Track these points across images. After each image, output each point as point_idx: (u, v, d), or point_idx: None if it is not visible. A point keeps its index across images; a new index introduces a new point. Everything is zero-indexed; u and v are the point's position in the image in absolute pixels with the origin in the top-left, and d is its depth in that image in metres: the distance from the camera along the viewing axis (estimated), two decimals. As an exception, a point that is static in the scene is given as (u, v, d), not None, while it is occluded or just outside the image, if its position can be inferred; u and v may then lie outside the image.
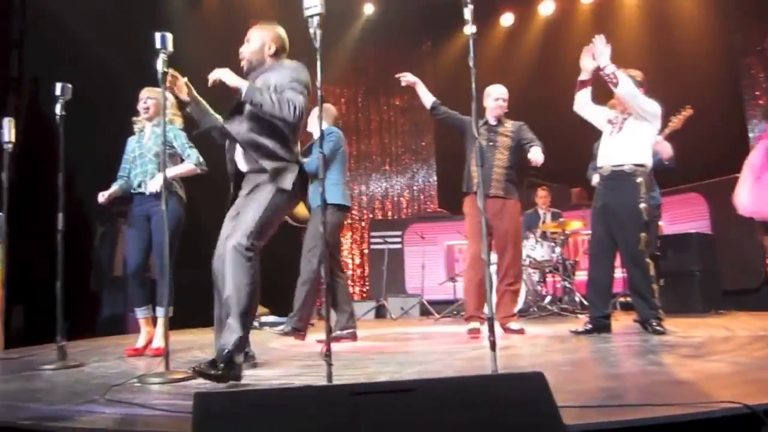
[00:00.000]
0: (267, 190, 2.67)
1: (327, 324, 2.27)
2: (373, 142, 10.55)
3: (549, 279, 7.03)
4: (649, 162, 4.12)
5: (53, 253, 3.63)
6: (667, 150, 4.77)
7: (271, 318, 6.57)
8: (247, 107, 2.73)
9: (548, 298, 6.78)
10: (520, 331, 4.49)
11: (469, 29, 2.47)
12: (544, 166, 4.52)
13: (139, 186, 4.03)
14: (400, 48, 9.88)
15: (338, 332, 4.37)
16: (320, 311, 6.41)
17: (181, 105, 3.29)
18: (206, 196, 4.40)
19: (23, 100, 5.85)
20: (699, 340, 3.54)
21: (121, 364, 3.53)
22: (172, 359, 2.85)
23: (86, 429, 1.80)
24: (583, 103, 4.23)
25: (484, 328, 3.43)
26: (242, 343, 2.55)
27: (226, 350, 2.47)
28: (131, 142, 4.17)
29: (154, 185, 3.94)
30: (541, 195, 7.30)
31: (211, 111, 2.92)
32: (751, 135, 6.99)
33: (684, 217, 6.84)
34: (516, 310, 4.87)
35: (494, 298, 4.43)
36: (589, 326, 4.14)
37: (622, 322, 5.05)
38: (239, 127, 2.75)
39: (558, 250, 6.67)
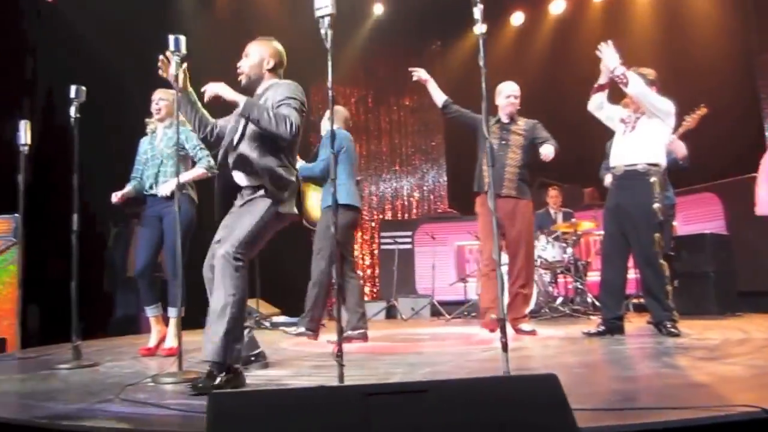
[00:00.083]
0: (262, 203, 2.67)
1: (338, 324, 2.27)
2: (383, 143, 10.56)
3: (560, 280, 6.99)
4: (663, 161, 4.09)
5: (68, 254, 3.67)
6: (681, 149, 4.73)
7: (282, 318, 6.61)
8: (249, 129, 2.72)
9: (560, 299, 6.74)
10: (532, 333, 4.46)
11: (479, 28, 2.47)
12: (556, 166, 4.51)
13: (151, 188, 4.06)
14: (409, 48, 9.87)
15: (349, 332, 4.37)
16: (331, 312, 6.42)
17: None
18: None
19: (38, 102, 5.92)
20: (714, 343, 3.50)
21: (135, 363, 3.56)
22: (184, 359, 2.87)
23: (102, 428, 1.81)
24: (598, 105, 4.20)
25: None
26: (235, 350, 2.52)
27: (218, 361, 2.46)
28: (143, 144, 4.20)
29: (166, 189, 3.97)
30: (552, 195, 7.27)
31: (200, 107, 2.89)
32: (767, 134, 6.92)
33: (698, 217, 6.78)
34: (527, 311, 4.84)
35: (506, 299, 4.43)
36: (602, 328, 4.11)
37: (636, 323, 5.01)
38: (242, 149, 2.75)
39: (570, 250, 6.64)
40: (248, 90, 2.87)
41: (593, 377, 2.56)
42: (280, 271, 6.85)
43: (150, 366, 3.41)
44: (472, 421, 1.29)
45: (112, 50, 6.26)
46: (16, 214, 4.48)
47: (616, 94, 4.25)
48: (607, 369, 2.83)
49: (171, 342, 3.94)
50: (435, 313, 7.59)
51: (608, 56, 3.92)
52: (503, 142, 4.55)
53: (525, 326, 4.54)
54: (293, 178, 2.76)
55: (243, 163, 2.74)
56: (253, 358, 3.08)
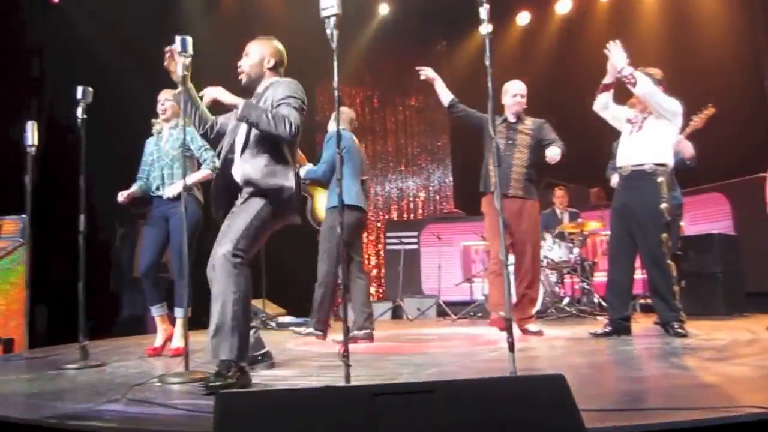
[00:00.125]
0: (258, 202, 2.67)
1: (344, 325, 2.28)
2: (388, 143, 10.56)
3: (567, 280, 6.97)
4: (670, 161, 4.07)
5: (75, 255, 3.68)
6: (688, 149, 4.71)
7: (288, 319, 6.61)
8: (252, 134, 2.72)
9: (566, 300, 6.72)
10: (539, 333, 4.45)
11: (486, 28, 2.46)
12: (562, 166, 4.49)
13: (158, 189, 4.07)
14: (415, 48, 9.86)
15: (355, 332, 4.38)
16: (338, 312, 6.43)
17: None
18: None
19: (44, 103, 5.95)
20: (722, 343, 3.49)
21: (142, 363, 3.57)
22: (191, 359, 2.88)
23: (110, 428, 1.82)
24: (603, 104, 4.19)
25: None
26: (240, 349, 2.52)
27: (226, 360, 2.47)
28: (149, 144, 4.21)
29: (172, 191, 3.98)
30: (559, 195, 7.25)
31: (201, 103, 2.89)
32: (774, 134, 6.87)
33: (706, 217, 6.75)
34: (534, 311, 4.83)
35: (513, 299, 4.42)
36: (609, 328, 4.09)
37: (642, 324, 4.99)
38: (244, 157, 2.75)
39: (576, 250, 6.62)
40: (249, 89, 2.87)
41: (600, 378, 2.55)
42: (286, 272, 6.86)
43: (156, 366, 3.42)
44: (479, 422, 1.29)
45: (117, 51, 6.29)
46: (24, 215, 4.50)
47: (622, 95, 4.24)
48: (614, 369, 2.82)
49: (177, 342, 3.95)
50: (441, 313, 7.59)
51: (616, 56, 3.90)
52: (510, 141, 4.52)
53: (531, 327, 4.53)
54: (291, 178, 2.73)
55: (243, 163, 2.74)
56: (259, 358, 3.09)
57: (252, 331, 2.96)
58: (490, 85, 2.40)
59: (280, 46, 2.92)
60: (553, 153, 4.32)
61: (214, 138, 2.98)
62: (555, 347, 3.79)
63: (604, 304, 5.83)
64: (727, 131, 6.00)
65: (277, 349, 3.85)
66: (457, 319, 6.95)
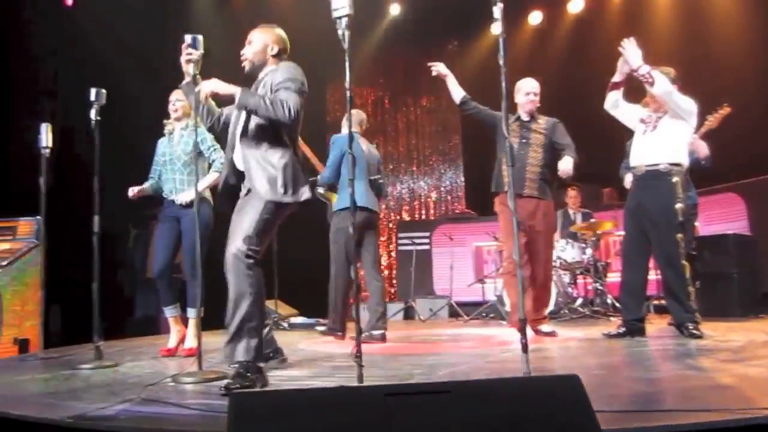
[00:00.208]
0: (260, 195, 2.64)
1: (357, 325, 2.27)
2: (400, 143, 10.55)
3: (580, 281, 6.93)
4: (685, 161, 4.03)
5: (89, 256, 3.71)
6: (703, 149, 4.65)
7: (300, 319, 6.62)
8: (250, 122, 2.71)
9: (579, 301, 6.68)
10: (552, 334, 4.42)
11: (499, 27, 2.45)
12: (575, 166, 4.45)
13: (171, 192, 4.09)
14: (426, 48, 9.85)
15: (368, 333, 4.39)
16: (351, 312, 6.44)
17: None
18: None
19: (58, 105, 6.01)
20: (738, 344, 3.44)
21: (156, 364, 3.59)
22: (204, 359, 2.89)
23: (125, 428, 1.83)
24: (613, 103, 4.15)
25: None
26: (257, 349, 2.53)
27: (244, 360, 2.48)
28: (161, 145, 4.23)
29: (184, 198, 3.99)
30: (572, 195, 7.21)
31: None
32: (791, 134, 6.78)
33: (721, 217, 6.68)
34: (546, 312, 4.80)
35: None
36: (623, 329, 4.06)
37: (657, 325, 4.95)
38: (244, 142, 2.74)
39: (589, 251, 6.57)
40: (252, 77, 2.85)
41: (614, 379, 2.53)
42: (298, 272, 6.88)
43: (170, 366, 3.43)
44: (495, 422, 1.28)
45: (127, 53, 6.33)
46: (38, 217, 4.54)
47: (633, 94, 4.20)
48: (628, 370, 2.80)
49: (191, 342, 3.97)
50: (453, 314, 7.57)
51: (631, 54, 3.84)
52: (524, 140, 4.46)
53: (545, 327, 4.50)
54: (287, 163, 2.68)
55: (243, 153, 2.73)
56: (271, 354, 3.11)
57: (265, 330, 2.97)
58: (504, 84, 2.38)
59: (282, 33, 2.90)
60: (566, 167, 4.26)
61: (221, 130, 2.98)
62: (568, 348, 3.77)
63: (617, 305, 5.78)
64: (742, 130, 5.92)
65: (289, 349, 3.85)
66: (469, 319, 6.93)
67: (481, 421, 1.29)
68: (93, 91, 3.69)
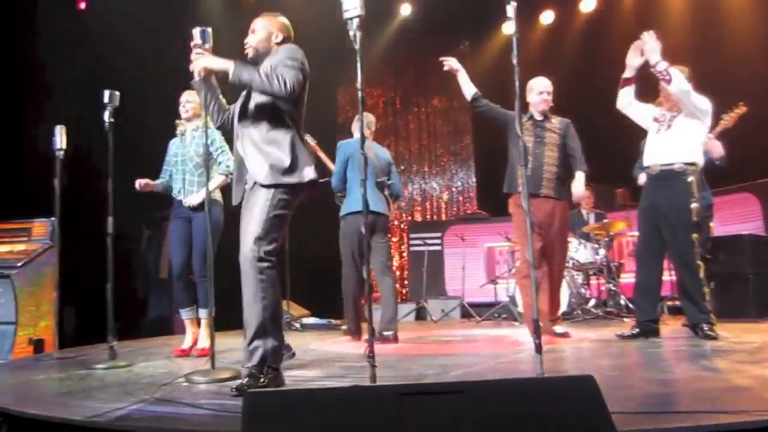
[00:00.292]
0: (263, 192, 2.57)
1: (369, 326, 2.27)
2: (411, 144, 10.53)
3: (593, 281, 6.88)
4: (700, 160, 3.98)
5: (102, 256, 3.74)
6: (717, 149, 4.60)
7: (312, 320, 6.63)
8: (250, 105, 2.68)
9: (593, 301, 6.63)
10: (566, 335, 4.39)
11: (512, 26, 2.44)
12: (588, 166, 4.42)
13: (180, 193, 4.11)
14: (437, 48, 9.80)
15: (379, 333, 4.39)
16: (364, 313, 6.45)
17: None
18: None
19: (71, 107, 6.06)
20: (754, 346, 3.40)
21: (169, 364, 3.61)
22: (217, 359, 2.90)
23: (139, 427, 1.85)
24: (626, 101, 4.11)
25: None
26: (274, 351, 2.52)
27: (257, 362, 2.48)
28: (173, 146, 4.25)
29: (194, 200, 4.01)
30: (585, 195, 7.15)
31: (219, 93, 2.86)
32: (807, 133, 6.70)
33: (736, 217, 6.61)
34: (559, 313, 4.77)
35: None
36: (636, 330, 4.03)
37: (671, 326, 4.90)
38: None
39: (602, 251, 6.53)
40: (255, 63, 2.79)
41: (628, 380, 2.51)
42: (310, 273, 6.89)
43: (183, 366, 3.45)
44: (508, 422, 1.27)
45: (139, 54, 6.38)
46: (53, 218, 4.59)
47: (643, 96, 4.16)
48: (642, 372, 2.77)
49: (203, 342, 3.99)
50: (465, 314, 7.55)
51: (651, 49, 3.77)
52: (539, 139, 4.39)
53: (558, 328, 4.46)
54: (289, 142, 2.62)
55: (242, 137, 2.70)
56: (282, 352, 3.11)
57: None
58: (517, 84, 2.37)
59: (286, 21, 2.87)
60: (578, 191, 4.31)
61: (231, 127, 2.96)
62: (582, 349, 3.74)
63: (631, 305, 5.74)
64: (757, 130, 5.86)
65: (301, 350, 3.86)
66: (481, 320, 6.90)
67: (495, 421, 1.29)
68: (107, 93, 3.70)
